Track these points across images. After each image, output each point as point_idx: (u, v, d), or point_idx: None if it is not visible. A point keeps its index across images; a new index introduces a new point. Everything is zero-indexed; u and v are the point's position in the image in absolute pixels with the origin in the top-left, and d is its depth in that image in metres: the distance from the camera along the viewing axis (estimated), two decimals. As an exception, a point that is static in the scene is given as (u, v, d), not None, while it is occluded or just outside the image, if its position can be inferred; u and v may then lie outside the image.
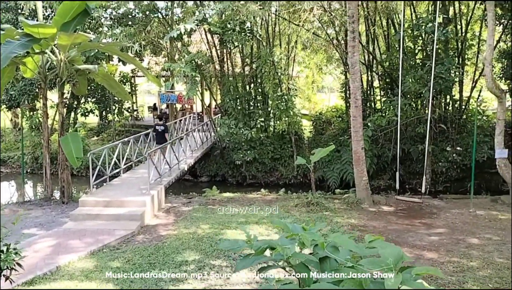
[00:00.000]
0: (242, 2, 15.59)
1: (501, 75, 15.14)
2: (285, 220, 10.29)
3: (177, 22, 18.95)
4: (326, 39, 18.96)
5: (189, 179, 18.58)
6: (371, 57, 18.43)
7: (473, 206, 11.54)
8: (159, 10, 18.33)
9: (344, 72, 19.58)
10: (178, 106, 23.79)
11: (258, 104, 18.90)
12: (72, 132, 13.72)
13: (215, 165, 18.64)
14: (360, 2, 15.94)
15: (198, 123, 20.36)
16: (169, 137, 15.05)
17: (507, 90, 14.87)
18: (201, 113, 24.24)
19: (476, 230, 9.60)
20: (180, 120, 18.62)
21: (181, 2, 18.85)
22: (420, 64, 15.64)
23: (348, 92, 19.17)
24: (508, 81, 15.07)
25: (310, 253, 2.26)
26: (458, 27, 16.89)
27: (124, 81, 22.93)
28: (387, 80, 18.16)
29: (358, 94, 12.22)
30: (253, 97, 19.07)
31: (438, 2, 13.53)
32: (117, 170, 13.26)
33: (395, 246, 2.39)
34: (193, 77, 15.66)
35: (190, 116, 20.41)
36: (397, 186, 12.60)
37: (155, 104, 27.16)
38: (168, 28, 17.88)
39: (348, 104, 19.31)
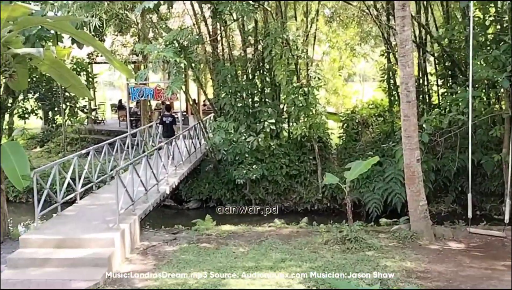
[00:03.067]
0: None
1: None
2: (314, 263, 10.06)
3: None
4: (360, 8, 18.76)
5: (171, 206, 18.40)
6: (423, 32, 18.24)
7: None
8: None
9: (385, 54, 19.41)
10: (153, 103, 23.65)
11: (267, 100, 18.67)
12: (10, 142, 13.47)
13: (208, 186, 18.44)
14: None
15: (183, 127, 19.91)
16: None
17: None
18: (185, 113, 24.16)
19: None
20: (157, 124, 18.44)
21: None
22: (493, 40, 15.44)
23: (392, 81, 19.05)
24: None
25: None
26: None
27: (79, 70, 22.70)
28: (447, 64, 17.98)
29: (410, 84, 11.99)
30: (260, 89, 18.81)
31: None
32: (72, 195, 13.07)
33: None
34: (177, 64, 15.24)
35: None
36: (470, 214, 12.37)
37: (120, 100, 27.11)
38: (140, -3, 17.78)
39: (392, 99, 19.15)
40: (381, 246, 11.30)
